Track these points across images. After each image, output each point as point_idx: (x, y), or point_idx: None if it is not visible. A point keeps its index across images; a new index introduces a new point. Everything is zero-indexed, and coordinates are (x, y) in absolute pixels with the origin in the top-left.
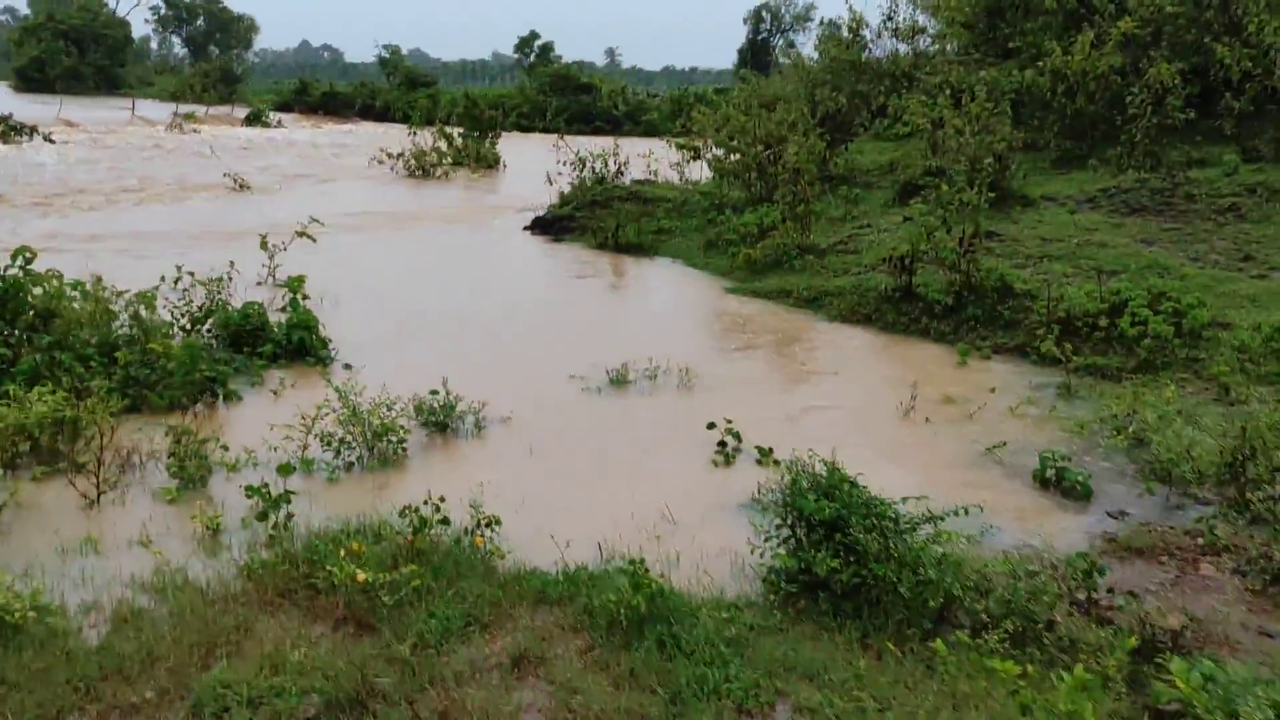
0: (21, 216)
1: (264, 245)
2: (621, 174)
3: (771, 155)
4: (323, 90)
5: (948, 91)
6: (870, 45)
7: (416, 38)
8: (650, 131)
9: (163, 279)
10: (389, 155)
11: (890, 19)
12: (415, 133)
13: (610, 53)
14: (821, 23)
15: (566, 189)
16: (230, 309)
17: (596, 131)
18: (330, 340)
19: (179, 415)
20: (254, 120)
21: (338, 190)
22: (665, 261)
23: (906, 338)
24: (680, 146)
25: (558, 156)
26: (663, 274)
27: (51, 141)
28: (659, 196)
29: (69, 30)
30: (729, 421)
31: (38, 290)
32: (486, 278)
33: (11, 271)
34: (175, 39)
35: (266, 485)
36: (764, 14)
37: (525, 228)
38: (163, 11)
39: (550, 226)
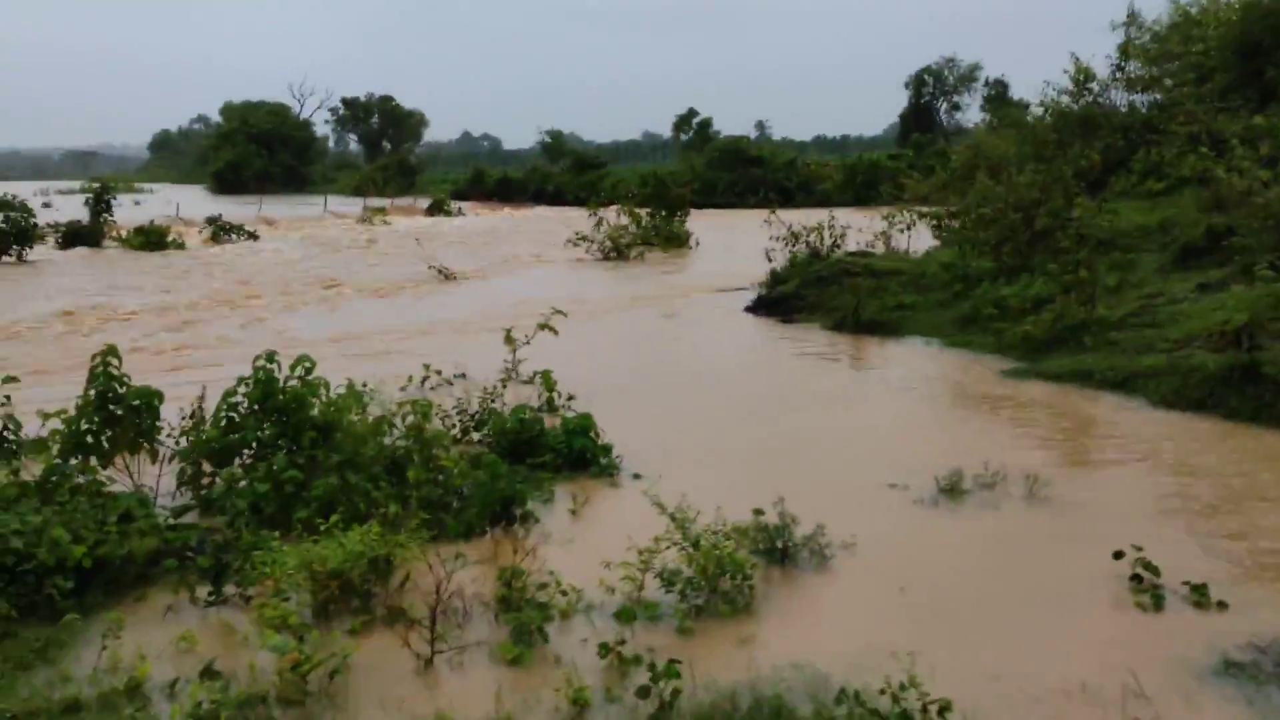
0: (245, 317)
1: (508, 339)
2: (838, 247)
3: (1027, 220)
4: (496, 177)
5: (1234, 141)
6: (1098, 99)
7: (570, 122)
8: (824, 202)
9: (410, 379)
10: (584, 238)
11: (1121, 69)
12: (596, 214)
13: (760, 125)
14: (987, 83)
15: (778, 266)
16: (503, 414)
17: (768, 204)
18: (611, 446)
19: (477, 542)
20: (436, 210)
21: (541, 275)
22: (916, 341)
23: (1258, 427)
24: (921, 215)
25: (770, 232)
26: (920, 356)
27: (255, 238)
28: (889, 269)
29: (260, 134)
30: (1138, 550)
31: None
32: (731, 365)
33: (291, 382)
34: (350, 137)
35: (624, 641)
36: (926, 77)
37: (747, 308)
38: (341, 112)
39: (775, 306)
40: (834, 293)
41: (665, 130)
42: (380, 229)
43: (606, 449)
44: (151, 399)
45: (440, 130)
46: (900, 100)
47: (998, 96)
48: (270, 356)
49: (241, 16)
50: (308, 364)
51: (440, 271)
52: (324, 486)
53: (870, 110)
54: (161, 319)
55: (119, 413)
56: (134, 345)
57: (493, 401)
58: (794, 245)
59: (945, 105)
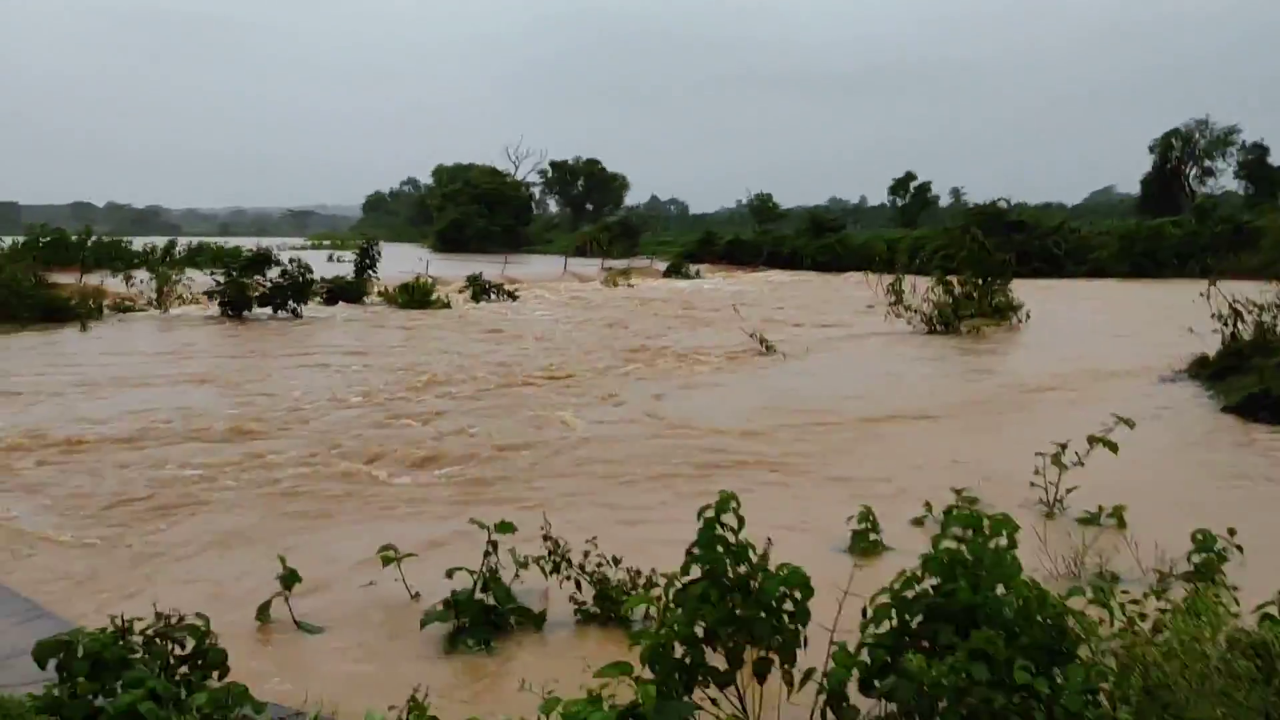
0: (600, 392)
1: (1058, 460)
2: None
3: None
4: (727, 239)
5: None
6: None
7: (755, 186)
8: (1097, 272)
9: (927, 509)
10: (908, 307)
11: None
12: (887, 280)
13: (955, 192)
14: (1243, 147)
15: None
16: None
17: (1035, 274)
18: None
19: None
20: (674, 272)
21: (872, 351)
22: None
23: None
24: None
25: (1211, 308)
26: None
27: (515, 298)
28: None
29: (482, 194)
30: None
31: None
32: None
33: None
34: (550, 199)
35: None
36: (1174, 141)
37: (1227, 408)
38: (549, 175)
39: None
40: None
41: (853, 196)
42: (625, 290)
43: None
44: (804, 588)
45: (629, 194)
46: (1106, 164)
47: (1256, 162)
48: (974, 521)
49: (439, 85)
50: (1008, 527)
51: (762, 343)
52: None
53: (1071, 179)
54: (492, 395)
55: (747, 612)
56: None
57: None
58: (1231, 324)
59: (1196, 171)
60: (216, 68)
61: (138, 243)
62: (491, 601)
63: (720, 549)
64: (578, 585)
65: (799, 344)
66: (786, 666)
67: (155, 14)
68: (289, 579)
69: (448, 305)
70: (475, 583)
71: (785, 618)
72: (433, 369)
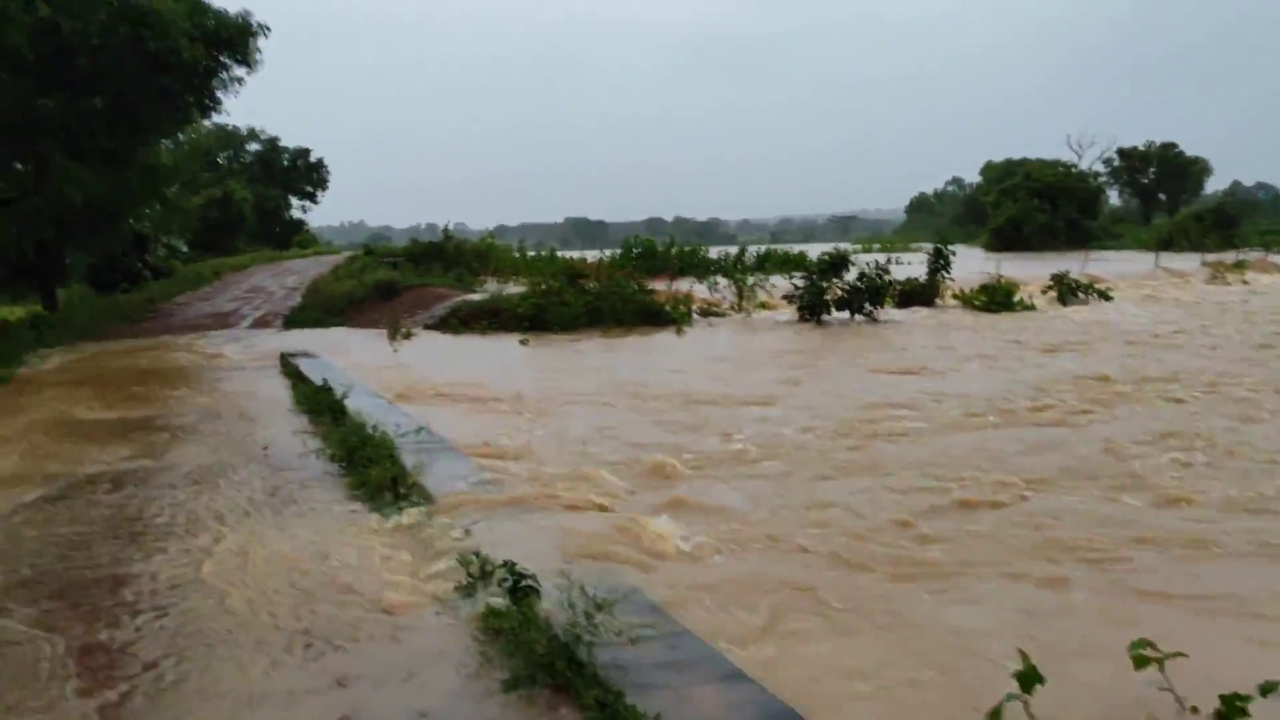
0: None
1: None
2: None
3: None
4: None
5: None
6: None
7: None
8: None
9: None
10: None
11: None
12: None
13: None
14: None
15: None
16: None
17: None
18: None
19: None
20: None
21: None
22: None
23: None
24: None
25: None
26: None
27: (1108, 299)
28: None
29: (1042, 188)
30: None
31: None
32: None
33: None
34: (1111, 190)
35: None
36: None
37: None
38: (1115, 163)
39: None
40: None
41: None
42: (1242, 288)
43: None
44: None
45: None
46: None
47: None
48: None
49: (983, 85)
50: None
51: None
52: None
53: None
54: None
55: None
56: None
57: None
58: None
59: None
60: (752, 86)
61: (711, 251)
62: None
63: None
64: None
65: None
66: None
67: (698, 44)
68: (1028, 677)
69: (1031, 307)
70: None
71: None
72: (1062, 384)
